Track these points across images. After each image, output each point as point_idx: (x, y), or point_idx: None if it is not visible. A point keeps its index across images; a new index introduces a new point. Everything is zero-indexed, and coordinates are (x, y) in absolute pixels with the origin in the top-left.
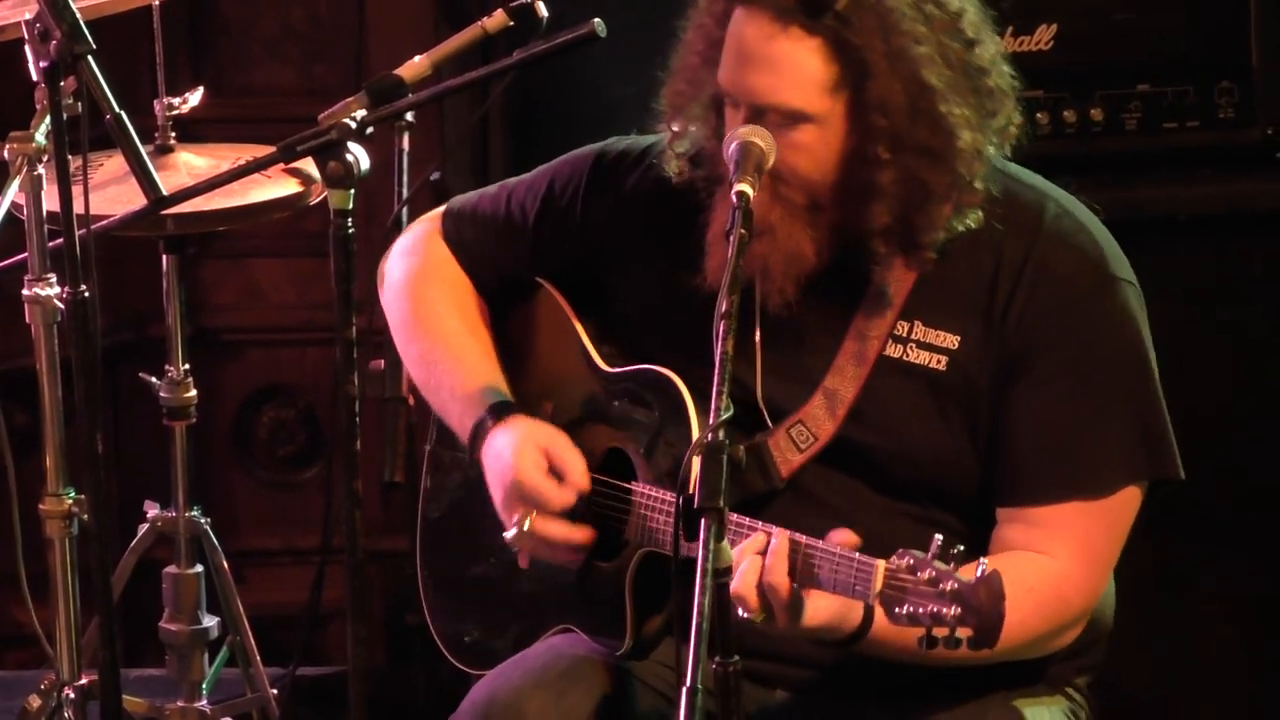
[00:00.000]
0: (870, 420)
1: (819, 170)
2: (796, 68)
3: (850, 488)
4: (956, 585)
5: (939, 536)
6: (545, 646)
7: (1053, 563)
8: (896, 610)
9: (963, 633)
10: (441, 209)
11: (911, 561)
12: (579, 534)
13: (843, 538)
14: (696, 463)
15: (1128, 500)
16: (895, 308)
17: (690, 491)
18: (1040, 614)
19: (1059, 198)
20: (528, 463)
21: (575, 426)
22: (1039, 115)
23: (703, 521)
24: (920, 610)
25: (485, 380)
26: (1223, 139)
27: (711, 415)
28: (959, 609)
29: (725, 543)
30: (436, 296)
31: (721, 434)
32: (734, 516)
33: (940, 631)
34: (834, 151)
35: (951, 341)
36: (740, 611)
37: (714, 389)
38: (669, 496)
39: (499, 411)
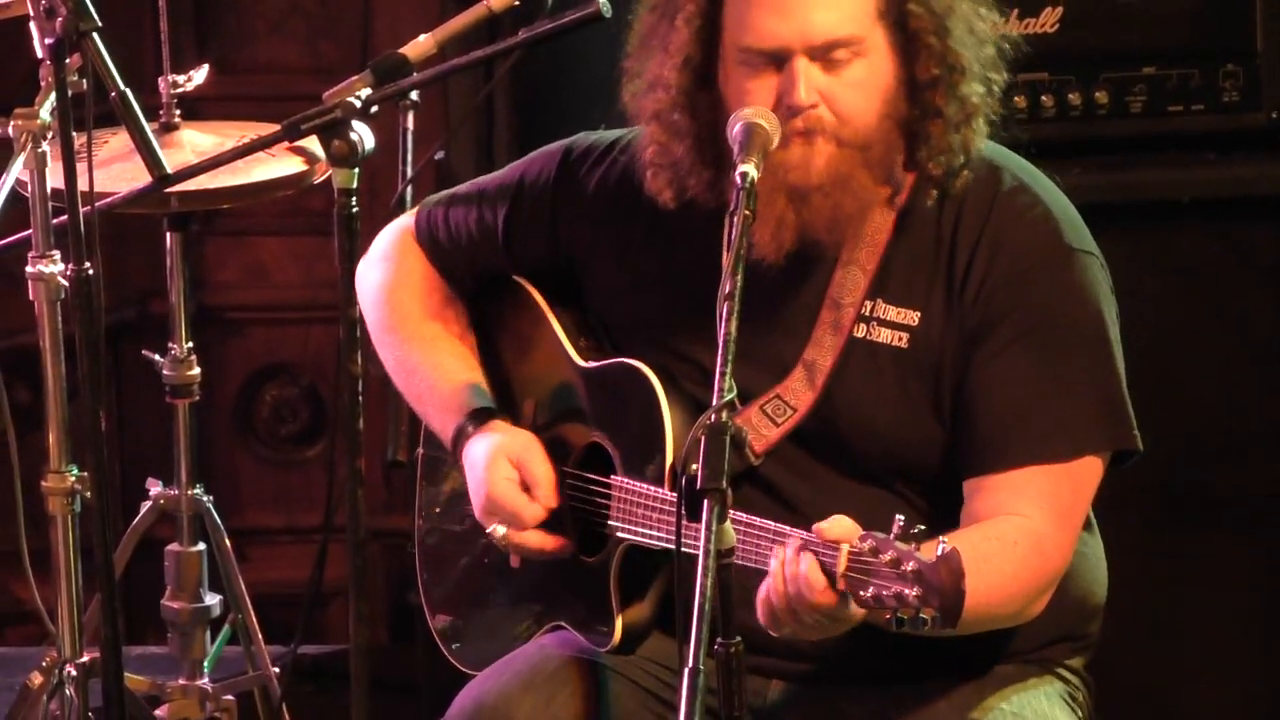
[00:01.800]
0: (838, 400)
1: (873, 105)
2: None
3: (818, 472)
4: (917, 565)
5: (900, 517)
6: (533, 648)
7: (1027, 521)
8: (861, 593)
9: (926, 612)
10: (414, 210)
11: (873, 544)
12: (551, 543)
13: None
14: (670, 450)
15: (1089, 468)
16: (868, 273)
17: (689, 472)
18: (1027, 566)
19: (1015, 169)
20: (499, 477)
21: (555, 423)
22: (1044, 98)
23: (705, 502)
24: (884, 592)
25: (464, 385)
26: (1227, 122)
27: (715, 396)
28: (920, 589)
29: (728, 524)
30: (410, 302)
31: (725, 415)
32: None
33: (906, 613)
34: (883, 83)
35: (912, 318)
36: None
37: (717, 370)
38: (648, 489)
39: (478, 418)
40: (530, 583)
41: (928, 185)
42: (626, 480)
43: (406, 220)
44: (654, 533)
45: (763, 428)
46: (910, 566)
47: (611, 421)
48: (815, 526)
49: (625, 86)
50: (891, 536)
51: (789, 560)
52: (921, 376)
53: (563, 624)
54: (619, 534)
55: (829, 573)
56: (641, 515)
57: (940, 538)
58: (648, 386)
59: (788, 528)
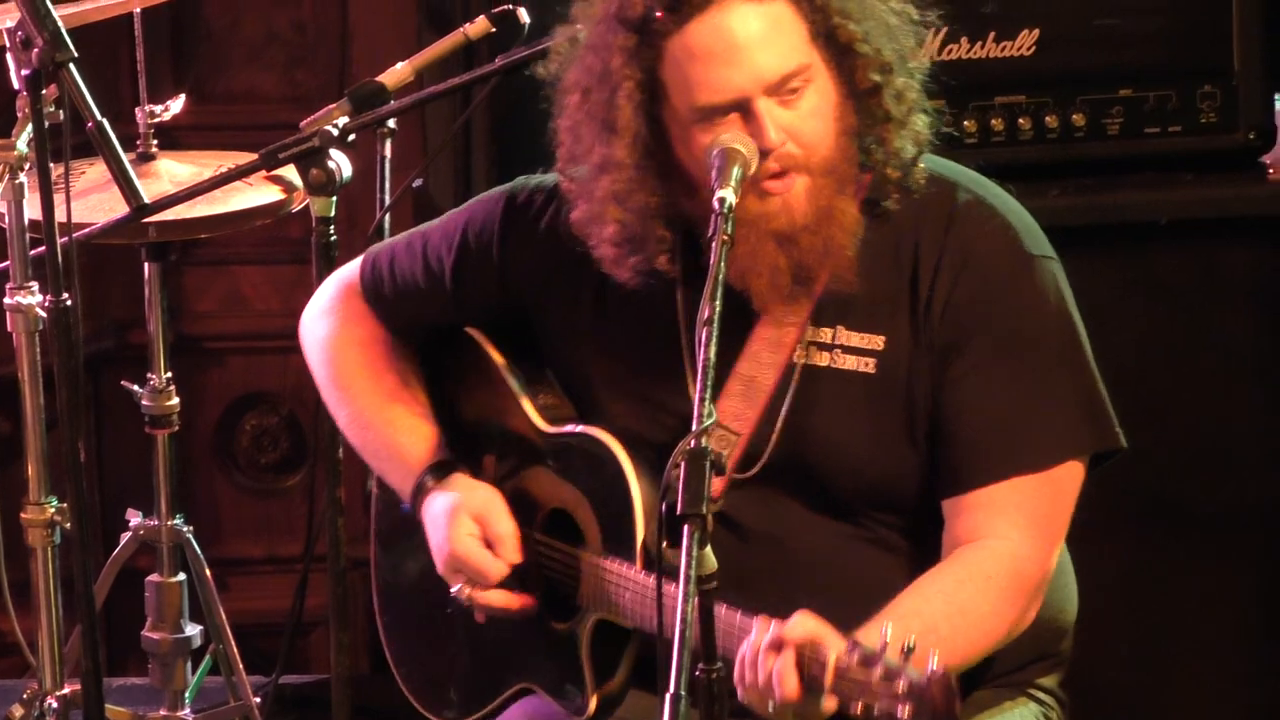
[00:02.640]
0: (803, 430)
1: (829, 126)
2: (786, 30)
3: (786, 510)
4: (909, 683)
5: (889, 626)
6: (509, 715)
7: (1003, 543)
8: (851, 707)
9: None
10: (358, 261)
11: (862, 655)
12: (518, 601)
13: (805, 628)
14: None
15: (1070, 474)
16: (812, 295)
17: (669, 499)
18: (1006, 598)
19: (968, 183)
20: (461, 534)
21: (516, 480)
22: (1021, 120)
23: (685, 528)
24: (875, 709)
25: (421, 439)
26: (1204, 143)
27: (694, 422)
28: (912, 707)
29: (708, 549)
30: (359, 357)
31: (705, 441)
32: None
33: None
34: (831, 102)
35: (877, 342)
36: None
37: (697, 395)
38: (618, 566)
39: (437, 471)
40: (498, 640)
41: (888, 189)
42: (597, 557)
43: (350, 272)
44: (627, 612)
45: None
46: (903, 685)
47: (577, 491)
48: (778, 634)
49: (565, 169)
50: (880, 649)
51: (763, 655)
52: (893, 401)
53: (531, 686)
54: (588, 605)
55: (812, 681)
56: (614, 592)
57: (931, 651)
58: (613, 460)
59: (756, 620)
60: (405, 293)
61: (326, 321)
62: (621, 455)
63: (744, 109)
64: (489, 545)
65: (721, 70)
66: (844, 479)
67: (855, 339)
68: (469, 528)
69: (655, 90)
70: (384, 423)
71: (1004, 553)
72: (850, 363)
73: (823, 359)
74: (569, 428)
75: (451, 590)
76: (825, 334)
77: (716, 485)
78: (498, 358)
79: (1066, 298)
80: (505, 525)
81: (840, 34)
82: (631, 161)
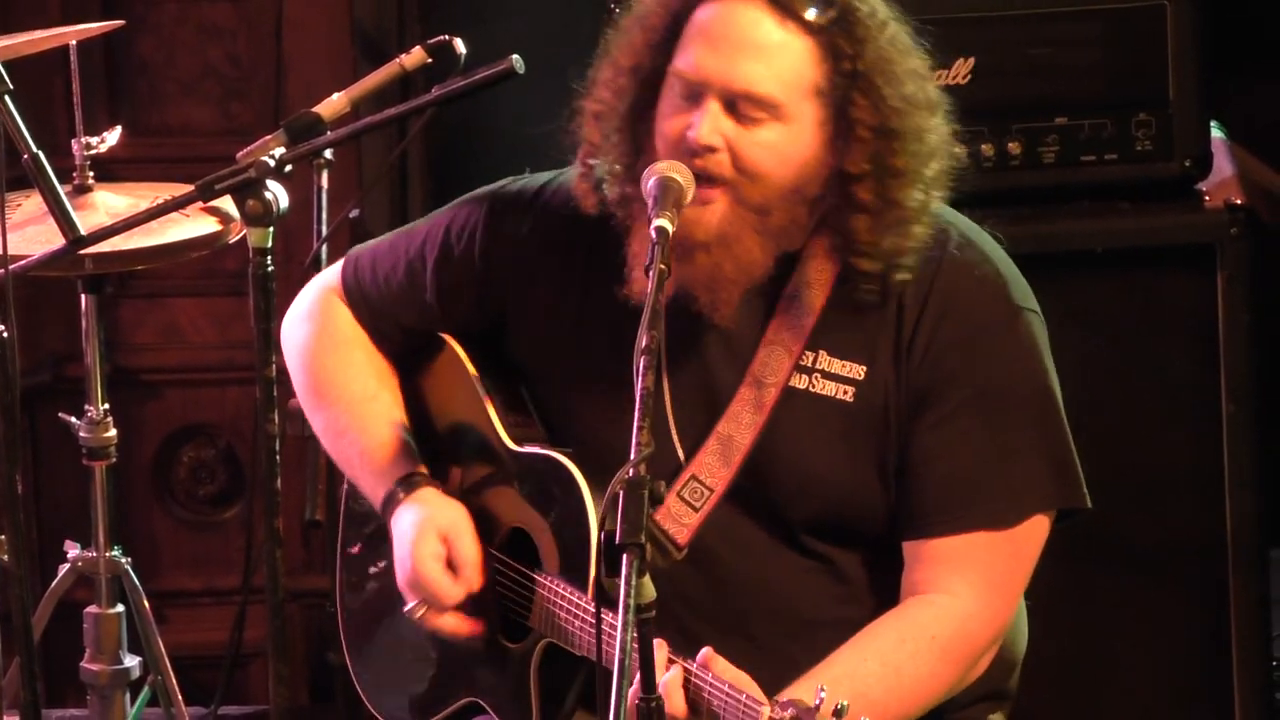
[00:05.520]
0: (773, 454)
1: (782, 170)
2: (786, 62)
3: (751, 540)
4: None
5: (823, 687)
6: None
7: (954, 602)
8: None
9: None
10: (339, 264)
11: (795, 713)
12: (467, 629)
13: (717, 668)
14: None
15: (1034, 531)
16: (792, 354)
17: (610, 527)
18: (947, 659)
19: (961, 227)
20: (426, 554)
21: (481, 494)
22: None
23: (625, 557)
24: None
25: (394, 449)
26: (1140, 172)
27: (632, 451)
28: None
29: (647, 578)
30: (337, 363)
31: (643, 469)
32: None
33: None
34: (800, 156)
35: (858, 372)
36: None
37: (635, 424)
38: (571, 592)
39: (409, 483)
40: (451, 652)
41: (858, 279)
42: (550, 579)
43: (332, 276)
44: (575, 641)
45: (683, 516)
46: None
47: (537, 513)
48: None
49: (586, 157)
50: (815, 706)
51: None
52: (867, 432)
53: (480, 701)
54: (539, 629)
55: None
56: (563, 619)
57: (861, 715)
58: (575, 487)
59: (708, 675)
60: (387, 292)
61: (305, 326)
62: (583, 484)
63: (700, 97)
64: (452, 566)
65: (703, 49)
66: (809, 505)
67: (837, 366)
68: (434, 548)
69: (673, 43)
70: (358, 431)
71: (953, 613)
72: (829, 389)
73: (801, 381)
74: (535, 449)
75: (405, 608)
76: (808, 357)
77: (684, 534)
78: (472, 370)
79: (1045, 353)
80: (470, 549)
81: (852, 110)
82: (626, 87)
